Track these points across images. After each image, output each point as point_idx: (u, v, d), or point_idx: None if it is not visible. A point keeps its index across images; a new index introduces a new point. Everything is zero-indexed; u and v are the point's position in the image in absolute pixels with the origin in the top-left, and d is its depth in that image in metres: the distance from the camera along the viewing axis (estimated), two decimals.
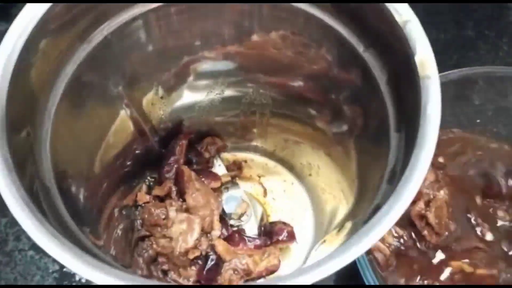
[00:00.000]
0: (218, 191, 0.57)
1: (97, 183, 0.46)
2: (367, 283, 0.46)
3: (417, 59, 0.33)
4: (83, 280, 0.61)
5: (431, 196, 0.55)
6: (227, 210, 0.57)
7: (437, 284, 0.52)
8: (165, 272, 0.53)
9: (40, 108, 0.37)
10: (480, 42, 0.77)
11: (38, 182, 0.35)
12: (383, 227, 0.29)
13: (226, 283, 0.51)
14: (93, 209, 0.46)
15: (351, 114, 0.45)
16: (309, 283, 0.27)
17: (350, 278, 0.55)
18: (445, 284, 0.52)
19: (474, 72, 0.57)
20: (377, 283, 0.46)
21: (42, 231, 0.28)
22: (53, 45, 0.36)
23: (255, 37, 0.45)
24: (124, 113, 0.47)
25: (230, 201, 0.57)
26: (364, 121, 0.44)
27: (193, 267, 0.52)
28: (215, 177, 0.57)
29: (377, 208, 0.33)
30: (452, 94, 0.56)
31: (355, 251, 0.28)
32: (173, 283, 0.52)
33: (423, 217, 0.54)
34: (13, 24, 0.33)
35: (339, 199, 0.51)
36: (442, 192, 0.56)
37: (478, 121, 0.62)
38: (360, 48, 0.40)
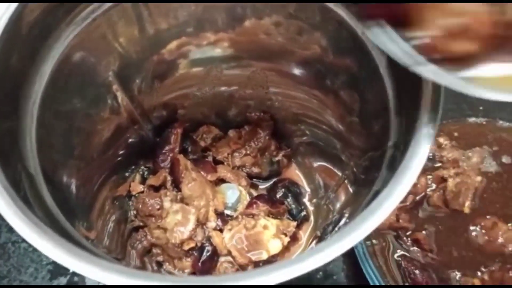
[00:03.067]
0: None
1: (88, 173, 0.45)
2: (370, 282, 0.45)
3: None
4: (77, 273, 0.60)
5: (466, 173, 0.55)
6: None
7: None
8: (159, 264, 0.53)
9: (25, 94, 0.36)
10: None
11: (23, 172, 0.33)
12: (383, 211, 0.27)
13: None
14: (84, 200, 0.44)
15: (348, 99, 0.44)
16: (305, 271, 0.26)
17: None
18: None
19: None
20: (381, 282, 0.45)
21: (23, 219, 0.27)
22: (37, 27, 0.35)
23: (247, 23, 0.44)
24: (114, 100, 0.46)
25: (225, 190, 0.56)
26: (361, 106, 0.42)
27: (188, 259, 0.51)
28: (212, 169, 0.56)
29: (376, 194, 0.32)
30: None
31: (355, 237, 0.27)
32: (167, 275, 0.51)
33: (443, 180, 0.53)
34: None
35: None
36: (479, 178, 0.55)
37: (481, 108, 0.61)
38: (358, 30, 0.38)
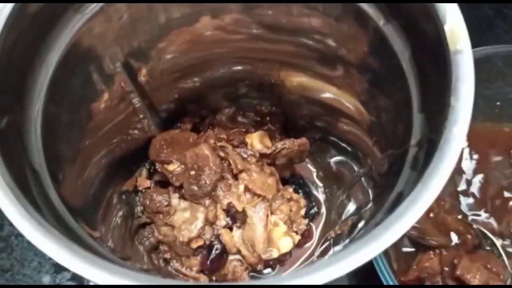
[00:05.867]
0: None
1: (93, 168, 0.43)
2: (384, 282, 0.43)
3: (447, 29, 0.30)
4: None
5: None
6: None
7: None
8: (167, 261, 0.51)
9: (29, 85, 0.34)
10: (499, 21, 0.73)
11: (28, 167, 0.32)
12: (410, 218, 0.26)
13: (230, 275, 0.49)
14: (90, 195, 0.43)
15: (367, 95, 0.42)
16: (324, 282, 0.25)
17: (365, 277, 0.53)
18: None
19: (493, 51, 0.54)
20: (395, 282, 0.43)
21: (26, 217, 0.25)
22: (42, 15, 0.33)
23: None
24: (121, 91, 0.44)
25: None
26: (382, 102, 0.40)
27: (197, 257, 0.50)
28: None
29: (400, 196, 0.31)
30: None
31: (379, 245, 0.25)
32: (174, 273, 0.49)
33: None
34: None
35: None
36: None
37: (498, 103, 0.59)
38: (380, 21, 0.36)
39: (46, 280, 0.58)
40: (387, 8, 0.35)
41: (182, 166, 0.49)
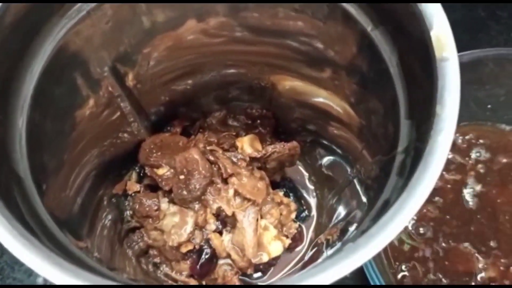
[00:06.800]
0: None
1: (81, 174, 0.43)
2: (371, 282, 0.43)
3: (433, 36, 0.30)
4: None
5: None
6: None
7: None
8: (156, 266, 0.51)
9: (14, 92, 0.34)
10: (492, 23, 0.73)
11: (11, 175, 0.32)
12: (395, 226, 0.26)
13: (220, 279, 0.49)
14: (77, 203, 0.42)
15: (355, 100, 0.42)
16: None
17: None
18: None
19: (485, 54, 0.54)
20: (382, 282, 0.43)
21: (7, 227, 0.25)
22: (27, 20, 0.33)
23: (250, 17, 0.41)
24: (110, 96, 0.44)
25: None
26: (369, 107, 0.40)
27: (186, 261, 0.50)
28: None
29: (386, 203, 0.31)
30: (462, 77, 0.53)
31: (364, 254, 0.25)
32: (163, 278, 0.49)
33: None
34: None
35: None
36: None
37: (489, 106, 0.59)
38: (368, 26, 0.36)
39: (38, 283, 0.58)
40: (374, 14, 0.35)
41: (172, 170, 0.49)
